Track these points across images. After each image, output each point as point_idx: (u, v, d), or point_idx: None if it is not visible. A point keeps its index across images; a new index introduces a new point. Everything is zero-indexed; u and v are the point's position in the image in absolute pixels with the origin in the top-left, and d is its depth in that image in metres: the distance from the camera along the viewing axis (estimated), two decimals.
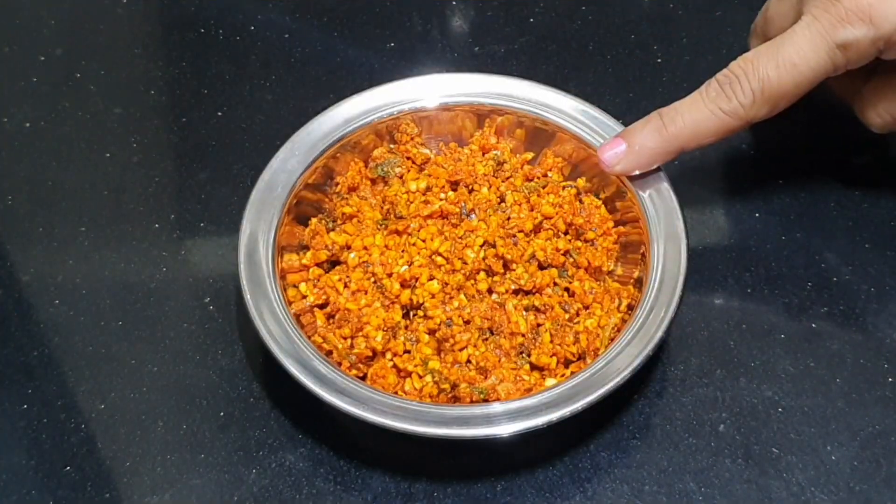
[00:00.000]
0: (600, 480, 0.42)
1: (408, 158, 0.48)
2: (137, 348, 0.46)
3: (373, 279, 0.44)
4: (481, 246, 0.44)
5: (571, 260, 0.45)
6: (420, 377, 0.41)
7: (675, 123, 0.44)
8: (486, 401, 0.40)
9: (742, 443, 0.42)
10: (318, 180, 0.47)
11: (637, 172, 0.45)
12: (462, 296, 0.43)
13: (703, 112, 0.44)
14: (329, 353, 0.42)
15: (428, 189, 0.46)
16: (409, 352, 0.42)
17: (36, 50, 0.59)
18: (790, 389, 0.44)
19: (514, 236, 0.44)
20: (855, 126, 0.53)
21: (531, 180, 0.48)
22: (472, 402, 0.41)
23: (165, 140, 0.55)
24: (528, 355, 0.42)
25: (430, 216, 0.45)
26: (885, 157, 0.53)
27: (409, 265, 0.43)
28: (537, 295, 0.44)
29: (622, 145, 0.45)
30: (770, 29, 0.47)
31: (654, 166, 0.45)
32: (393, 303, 0.43)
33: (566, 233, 0.46)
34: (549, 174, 0.48)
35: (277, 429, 0.43)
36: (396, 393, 0.41)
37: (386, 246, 0.45)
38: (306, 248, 0.46)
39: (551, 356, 0.42)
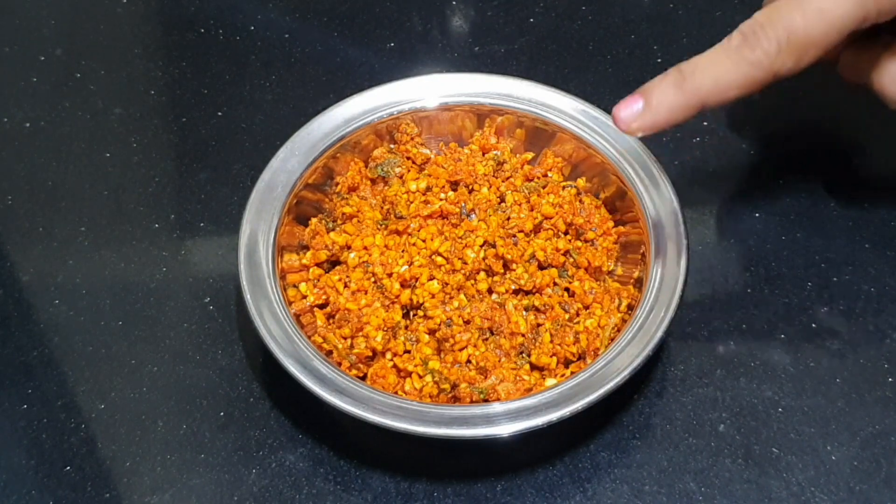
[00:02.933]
0: (600, 480, 0.42)
1: (408, 158, 0.48)
2: (137, 348, 0.46)
3: (373, 279, 0.44)
4: (481, 246, 0.44)
5: (571, 260, 0.45)
6: (420, 377, 0.41)
7: (695, 76, 0.41)
8: (486, 401, 0.40)
9: (742, 443, 0.42)
10: (318, 180, 0.47)
11: (655, 132, 0.42)
12: (462, 296, 0.43)
13: (725, 63, 0.41)
14: (329, 353, 0.42)
15: (428, 189, 0.46)
16: (409, 352, 0.42)
17: (36, 50, 0.59)
18: (790, 389, 0.44)
19: (514, 236, 0.44)
20: (855, 126, 0.53)
21: (531, 180, 0.48)
22: (472, 402, 0.41)
23: (165, 140, 0.55)
24: (528, 355, 0.42)
25: (430, 216, 0.45)
26: (884, 157, 0.52)
27: (409, 265, 0.43)
28: (537, 295, 0.44)
29: (639, 102, 0.42)
30: None
31: (674, 125, 0.42)
32: (393, 303, 0.43)
33: (566, 233, 0.46)
34: (549, 174, 0.48)
35: (277, 429, 0.43)
36: (396, 393, 0.41)
37: (386, 246, 0.45)
38: (306, 248, 0.46)
39: (551, 356, 0.42)
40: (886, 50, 0.44)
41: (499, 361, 0.42)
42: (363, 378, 0.42)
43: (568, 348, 0.42)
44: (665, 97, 0.42)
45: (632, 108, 0.42)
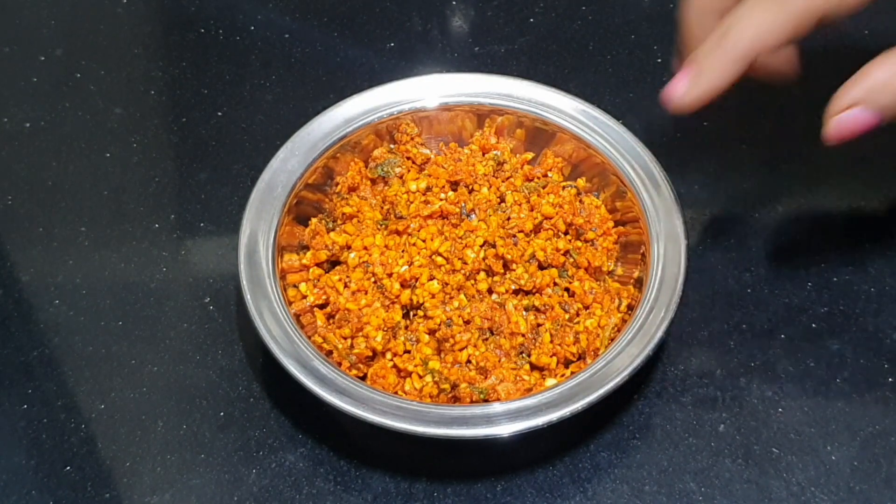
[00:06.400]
0: (600, 480, 0.42)
1: (408, 158, 0.48)
2: (137, 348, 0.46)
3: (373, 279, 0.44)
4: (481, 246, 0.44)
5: (571, 260, 0.45)
6: (420, 377, 0.41)
7: (733, 28, 0.39)
8: (486, 401, 0.40)
9: (742, 443, 0.42)
10: (318, 180, 0.47)
11: (706, 99, 0.40)
12: (462, 296, 0.43)
13: (765, 6, 0.39)
14: (329, 353, 0.42)
15: (428, 189, 0.46)
16: (409, 352, 0.42)
17: (36, 50, 0.59)
18: (790, 389, 0.44)
19: (514, 236, 0.44)
20: None
21: (531, 180, 0.48)
22: (472, 402, 0.41)
23: (165, 140, 0.55)
24: (528, 355, 0.42)
25: (430, 216, 0.45)
26: (884, 158, 0.52)
27: (409, 265, 0.43)
28: (537, 295, 0.44)
29: (688, 74, 0.41)
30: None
31: (727, 85, 0.40)
32: (393, 303, 0.43)
33: (566, 233, 0.46)
34: (549, 174, 0.48)
35: (277, 429, 0.43)
36: (396, 393, 0.41)
37: (386, 246, 0.45)
38: (306, 248, 0.46)
39: (551, 356, 0.42)
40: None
41: (499, 361, 0.42)
42: (363, 378, 0.42)
43: (568, 348, 0.42)
44: (707, 58, 0.40)
45: (683, 80, 0.41)
